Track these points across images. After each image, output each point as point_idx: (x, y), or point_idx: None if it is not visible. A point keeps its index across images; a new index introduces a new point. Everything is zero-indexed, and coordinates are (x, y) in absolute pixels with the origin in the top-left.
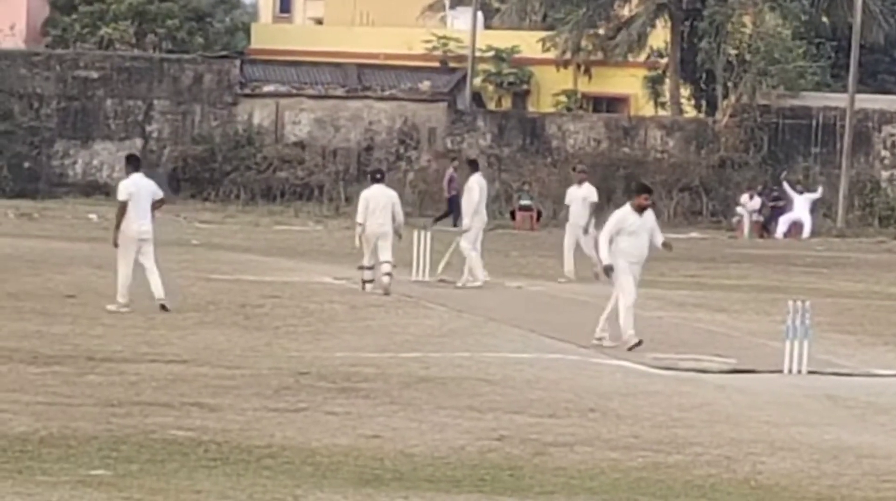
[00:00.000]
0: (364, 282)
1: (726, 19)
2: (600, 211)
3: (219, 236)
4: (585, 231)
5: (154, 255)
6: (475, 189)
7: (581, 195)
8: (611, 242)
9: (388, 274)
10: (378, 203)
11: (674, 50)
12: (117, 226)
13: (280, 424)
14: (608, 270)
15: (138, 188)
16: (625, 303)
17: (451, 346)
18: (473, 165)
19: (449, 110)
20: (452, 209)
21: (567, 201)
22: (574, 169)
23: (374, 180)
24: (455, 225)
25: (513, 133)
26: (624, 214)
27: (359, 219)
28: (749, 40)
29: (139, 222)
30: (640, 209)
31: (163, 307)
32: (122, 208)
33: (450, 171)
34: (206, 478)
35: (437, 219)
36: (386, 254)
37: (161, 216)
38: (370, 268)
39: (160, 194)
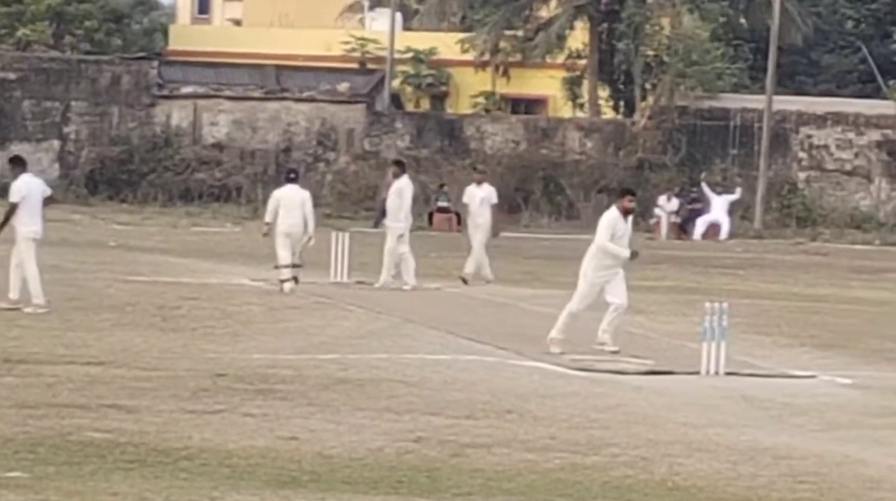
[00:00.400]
0: (281, 282)
1: (644, 21)
2: (518, 212)
3: (136, 237)
4: (496, 234)
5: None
6: (408, 191)
7: (480, 195)
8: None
9: (294, 277)
10: (290, 202)
11: (592, 51)
12: (2, 226)
13: (197, 426)
14: (635, 254)
15: (30, 189)
16: (571, 308)
17: (368, 348)
18: (402, 167)
19: (367, 112)
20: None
21: (465, 199)
22: (475, 168)
23: (288, 180)
24: (375, 227)
25: (431, 135)
26: (614, 218)
27: (267, 218)
28: (667, 42)
29: (32, 223)
30: (626, 213)
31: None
32: (13, 209)
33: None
34: (123, 480)
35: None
36: (295, 255)
37: (80, 218)
38: (287, 267)
39: (49, 192)
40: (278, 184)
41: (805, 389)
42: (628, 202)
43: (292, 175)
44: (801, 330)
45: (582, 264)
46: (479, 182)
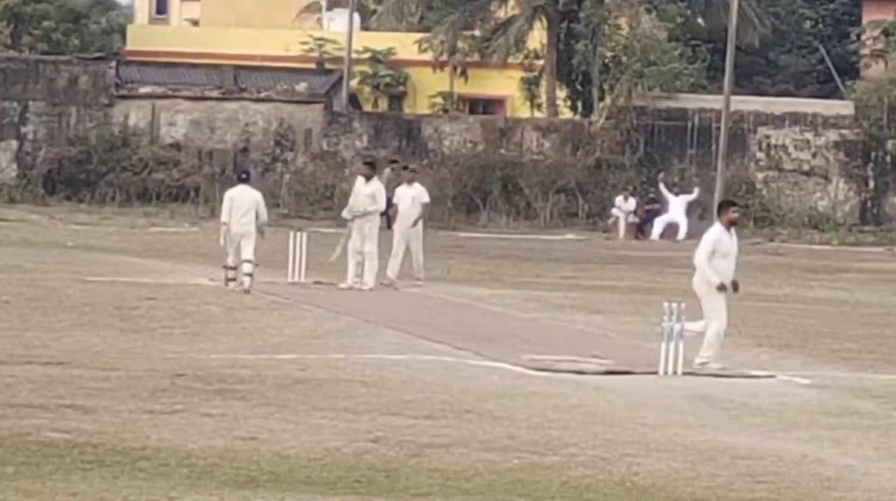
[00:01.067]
0: (227, 280)
1: (602, 21)
2: (476, 212)
3: (94, 237)
4: (413, 225)
5: None
6: (380, 192)
7: (411, 195)
8: None
9: (249, 274)
10: (242, 203)
11: (550, 52)
12: None
13: (156, 426)
14: (721, 288)
15: None
16: (717, 328)
17: (326, 347)
18: (374, 168)
19: (325, 112)
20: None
21: (395, 200)
22: (405, 168)
23: (240, 180)
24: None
25: (389, 135)
26: (718, 234)
27: (223, 218)
28: (625, 42)
29: None
30: (731, 225)
31: None
32: None
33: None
34: (82, 480)
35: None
36: (248, 253)
37: (38, 218)
38: (233, 268)
39: None
40: (236, 184)
41: (763, 389)
42: (733, 214)
43: (244, 176)
44: (759, 330)
45: (693, 283)
46: (410, 181)
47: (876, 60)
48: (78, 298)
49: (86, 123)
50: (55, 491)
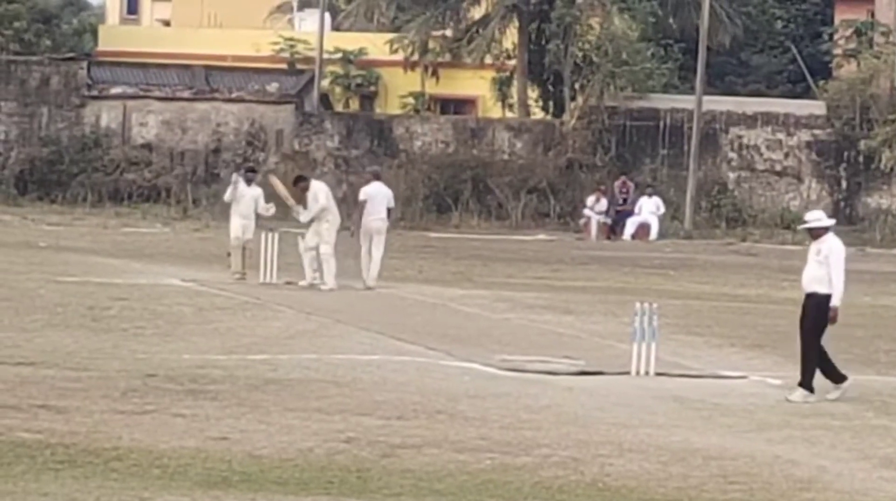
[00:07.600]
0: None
1: (574, 21)
2: (447, 213)
3: (67, 238)
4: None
5: None
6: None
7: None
8: None
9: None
10: (243, 199)
11: (521, 51)
12: None
13: (128, 426)
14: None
15: None
16: None
17: (298, 348)
18: (304, 180)
19: (297, 112)
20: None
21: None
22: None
23: (247, 180)
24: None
25: (360, 135)
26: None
27: (226, 198)
28: (597, 42)
29: None
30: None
31: None
32: None
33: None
34: (54, 481)
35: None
36: (247, 235)
37: (10, 219)
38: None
39: None
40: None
41: (735, 389)
42: None
43: (249, 174)
44: (731, 331)
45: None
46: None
47: (848, 60)
48: (50, 298)
49: (57, 124)
50: (27, 492)
